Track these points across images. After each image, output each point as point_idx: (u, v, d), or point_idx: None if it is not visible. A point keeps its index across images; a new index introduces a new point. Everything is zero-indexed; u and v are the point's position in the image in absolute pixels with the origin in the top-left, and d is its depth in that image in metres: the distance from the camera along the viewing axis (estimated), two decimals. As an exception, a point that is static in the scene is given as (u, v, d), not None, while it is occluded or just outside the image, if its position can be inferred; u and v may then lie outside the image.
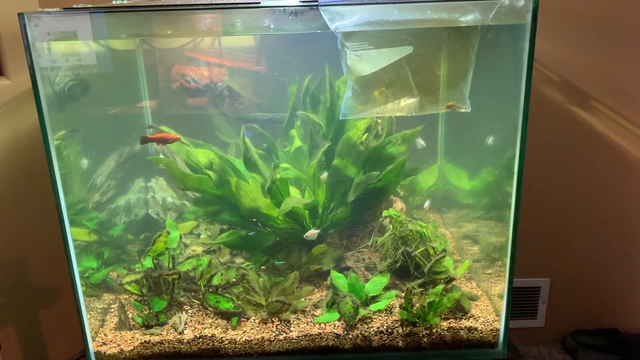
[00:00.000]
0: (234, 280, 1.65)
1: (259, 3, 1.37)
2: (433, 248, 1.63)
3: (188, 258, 1.71)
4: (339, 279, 1.66)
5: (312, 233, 1.70)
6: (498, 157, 1.63)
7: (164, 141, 1.79)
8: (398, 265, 1.67)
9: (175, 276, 1.59)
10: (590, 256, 2.30)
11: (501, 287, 1.57)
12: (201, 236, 1.86)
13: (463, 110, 1.48)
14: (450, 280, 1.64)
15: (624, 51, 2.04)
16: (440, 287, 1.57)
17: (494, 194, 1.71)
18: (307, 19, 1.38)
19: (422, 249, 1.65)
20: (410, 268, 1.67)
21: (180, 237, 1.80)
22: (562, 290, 2.35)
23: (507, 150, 1.47)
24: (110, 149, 1.88)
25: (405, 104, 1.46)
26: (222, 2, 1.39)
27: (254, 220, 1.80)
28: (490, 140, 1.71)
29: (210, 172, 1.71)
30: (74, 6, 1.41)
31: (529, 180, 1.49)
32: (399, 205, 1.91)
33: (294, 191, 1.83)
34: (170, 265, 1.64)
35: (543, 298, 2.37)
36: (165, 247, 1.62)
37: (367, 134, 1.76)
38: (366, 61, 1.39)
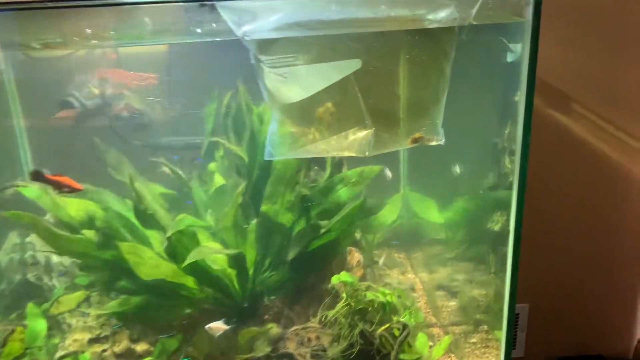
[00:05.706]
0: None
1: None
2: (399, 329, 1.21)
3: (63, 357, 1.24)
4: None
5: (217, 327, 1.24)
6: (476, 183, 1.40)
7: (60, 186, 1.31)
8: (355, 350, 1.25)
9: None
10: (570, 279, 2.18)
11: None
12: (91, 313, 1.40)
13: (434, 144, 1.09)
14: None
15: (622, 53, 1.81)
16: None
17: (474, 228, 1.48)
18: (204, 20, 0.94)
19: (386, 325, 1.24)
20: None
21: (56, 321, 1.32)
22: (542, 316, 2.22)
23: (488, 174, 1.28)
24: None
25: (355, 139, 1.05)
26: None
27: (162, 291, 1.35)
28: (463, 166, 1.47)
29: (87, 233, 1.25)
30: None
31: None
32: (354, 257, 1.50)
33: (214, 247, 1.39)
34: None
35: (522, 326, 2.23)
36: (24, 348, 1.15)
37: (303, 170, 1.34)
38: (294, 82, 0.97)
